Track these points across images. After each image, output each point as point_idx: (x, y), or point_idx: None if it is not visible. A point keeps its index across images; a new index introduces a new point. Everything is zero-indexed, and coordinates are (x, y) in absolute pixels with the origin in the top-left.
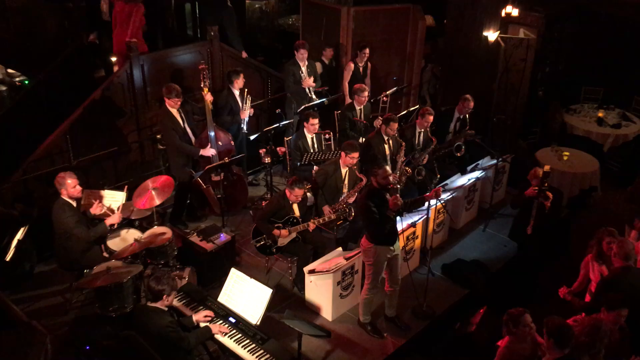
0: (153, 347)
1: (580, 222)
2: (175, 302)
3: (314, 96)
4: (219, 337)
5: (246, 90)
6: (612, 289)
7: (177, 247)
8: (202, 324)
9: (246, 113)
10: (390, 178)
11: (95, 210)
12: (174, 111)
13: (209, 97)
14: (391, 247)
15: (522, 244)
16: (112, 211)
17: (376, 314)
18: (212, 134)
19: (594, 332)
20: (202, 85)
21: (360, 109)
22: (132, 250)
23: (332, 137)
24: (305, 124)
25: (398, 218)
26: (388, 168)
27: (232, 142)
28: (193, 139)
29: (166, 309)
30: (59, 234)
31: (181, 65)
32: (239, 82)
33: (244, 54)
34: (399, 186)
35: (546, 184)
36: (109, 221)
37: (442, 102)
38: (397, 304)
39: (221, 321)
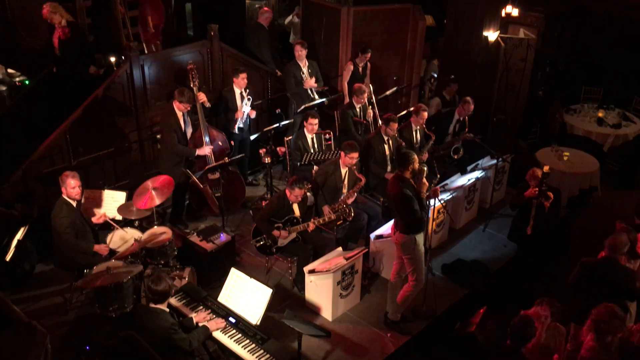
0: (154, 347)
1: (580, 222)
2: (175, 302)
3: (316, 96)
4: (219, 337)
5: (247, 91)
6: (590, 273)
7: (177, 247)
8: (201, 324)
9: (240, 113)
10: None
11: (99, 220)
12: (179, 113)
13: (202, 97)
14: (422, 233)
15: (521, 244)
16: (115, 221)
17: (375, 312)
18: (206, 132)
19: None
20: (191, 86)
21: (360, 108)
22: (132, 250)
23: (332, 137)
24: (304, 123)
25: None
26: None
27: (228, 141)
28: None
29: (167, 309)
30: (57, 232)
31: (181, 65)
32: (238, 82)
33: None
34: (424, 168)
35: (544, 185)
36: (98, 249)
37: (442, 103)
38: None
39: (233, 330)
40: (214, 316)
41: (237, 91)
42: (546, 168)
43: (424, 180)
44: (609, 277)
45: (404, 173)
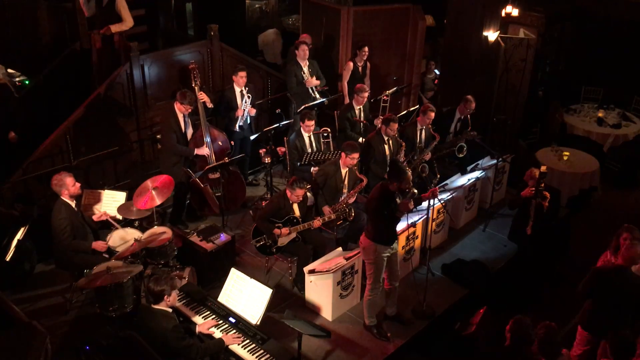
0: (155, 348)
1: (580, 222)
2: (175, 302)
3: (317, 95)
4: (219, 336)
5: (246, 89)
6: (602, 281)
7: (177, 247)
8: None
9: (240, 112)
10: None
11: (100, 218)
12: (180, 114)
13: (203, 97)
14: (392, 247)
15: (521, 244)
16: (115, 219)
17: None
18: (207, 132)
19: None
20: (192, 85)
21: (360, 109)
22: (132, 250)
23: (330, 135)
24: (301, 123)
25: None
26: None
27: (229, 141)
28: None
29: (170, 310)
30: (55, 233)
31: (181, 65)
32: (237, 80)
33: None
34: (415, 191)
35: (542, 184)
36: (97, 245)
37: (442, 103)
38: (397, 302)
39: (231, 329)
40: (219, 321)
41: (237, 90)
42: (543, 168)
43: (411, 203)
44: (622, 287)
45: (389, 184)
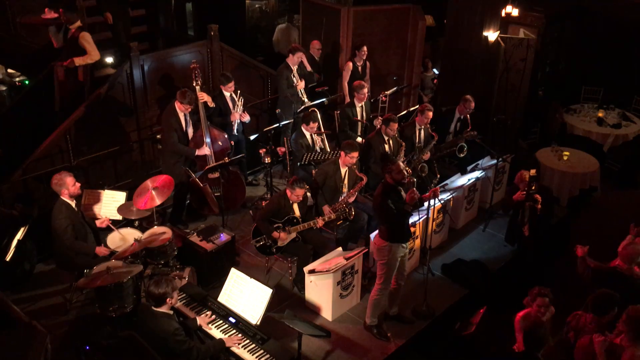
0: (155, 349)
1: (580, 222)
2: (177, 303)
3: (305, 99)
4: (219, 337)
5: (239, 92)
6: (600, 280)
7: (177, 247)
8: (204, 327)
9: (236, 116)
10: (405, 172)
11: (102, 225)
12: (181, 114)
13: (204, 97)
14: (403, 245)
15: (520, 245)
16: (116, 222)
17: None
18: (207, 132)
19: None
20: (194, 85)
21: (362, 106)
22: (132, 250)
23: (325, 137)
24: (304, 125)
25: None
26: (401, 163)
27: (229, 141)
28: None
29: (172, 312)
30: (56, 234)
31: (181, 65)
32: (225, 88)
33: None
34: (414, 180)
35: (533, 187)
36: (99, 251)
37: (442, 102)
38: (399, 302)
39: (231, 329)
40: (216, 318)
41: (227, 95)
42: (532, 171)
43: (412, 193)
44: (619, 288)
45: (386, 179)
